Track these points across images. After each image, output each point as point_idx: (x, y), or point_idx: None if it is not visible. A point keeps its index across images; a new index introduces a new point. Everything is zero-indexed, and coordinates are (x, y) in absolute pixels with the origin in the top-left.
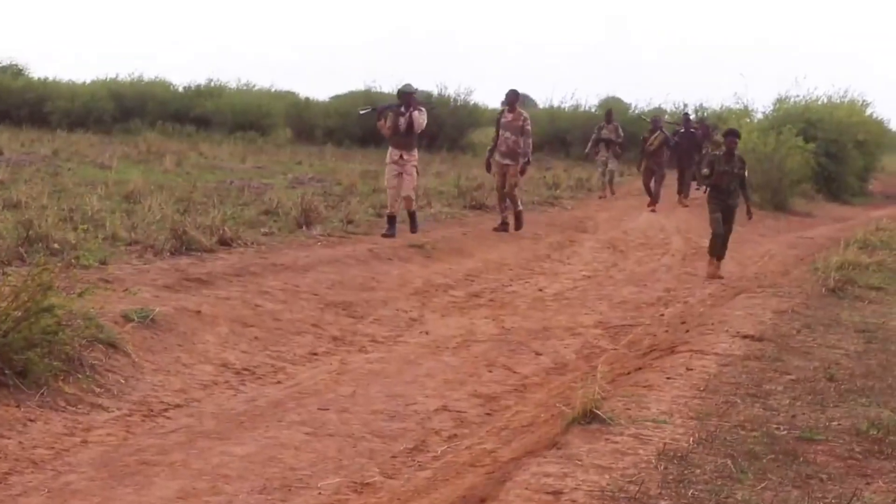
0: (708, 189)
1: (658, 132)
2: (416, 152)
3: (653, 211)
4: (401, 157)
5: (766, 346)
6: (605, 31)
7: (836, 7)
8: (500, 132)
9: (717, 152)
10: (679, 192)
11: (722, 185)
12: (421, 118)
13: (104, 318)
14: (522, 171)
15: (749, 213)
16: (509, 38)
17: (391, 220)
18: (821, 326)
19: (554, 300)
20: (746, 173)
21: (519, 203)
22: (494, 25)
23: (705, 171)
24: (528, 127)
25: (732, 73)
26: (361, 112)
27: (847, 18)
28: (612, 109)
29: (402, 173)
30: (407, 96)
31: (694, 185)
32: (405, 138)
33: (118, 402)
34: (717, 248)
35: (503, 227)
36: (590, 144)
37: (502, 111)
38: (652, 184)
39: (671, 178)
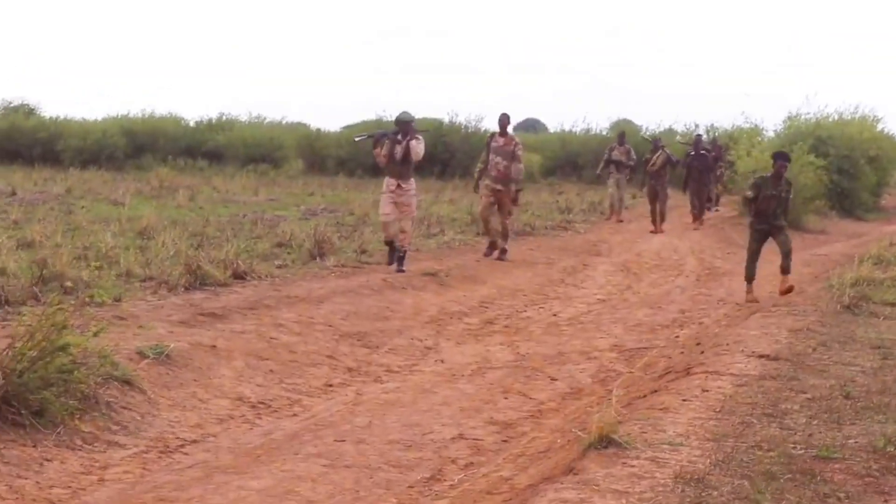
0: (751, 213)
1: (660, 152)
2: (413, 182)
3: (654, 232)
4: (398, 186)
5: (782, 366)
6: (614, 53)
7: (845, 24)
8: (491, 156)
9: (765, 174)
10: (693, 217)
11: (768, 210)
12: (418, 147)
13: (119, 355)
14: (515, 201)
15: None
16: (519, 63)
17: (391, 245)
18: (836, 344)
19: (568, 325)
20: (791, 196)
21: (508, 235)
22: (504, 51)
23: (749, 193)
24: (520, 152)
25: (743, 92)
26: (357, 139)
27: (856, 35)
28: (624, 132)
29: (398, 203)
30: (404, 124)
31: (708, 206)
32: (402, 167)
33: (134, 439)
34: (751, 274)
35: (490, 251)
36: (601, 165)
37: (493, 135)
38: (657, 205)
39: (677, 199)
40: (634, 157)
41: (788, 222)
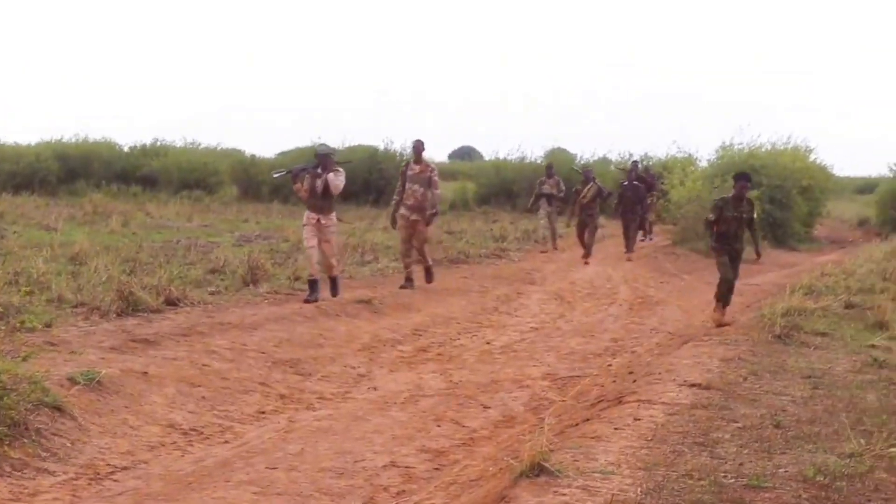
0: (713, 236)
1: (591, 184)
2: (333, 216)
3: (587, 263)
4: (318, 220)
5: (714, 395)
6: (550, 82)
7: (778, 56)
8: (407, 185)
9: (726, 196)
10: (626, 247)
11: (729, 232)
12: (337, 180)
13: (50, 381)
14: (428, 223)
15: (758, 253)
16: (455, 91)
17: (313, 284)
18: (767, 373)
19: (502, 353)
20: (755, 215)
21: (429, 258)
22: (440, 79)
23: (711, 216)
24: (436, 178)
25: (677, 122)
26: (276, 175)
27: (790, 67)
28: (551, 164)
29: (319, 238)
30: (323, 157)
31: (639, 236)
32: (322, 201)
33: (64, 466)
34: (725, 294)
35: (409, 283)
36: (532, 199)
37: (407, 163)
38: (585, 236)
39: (614, 228)
40: (563, 188)
41: (756, 243)
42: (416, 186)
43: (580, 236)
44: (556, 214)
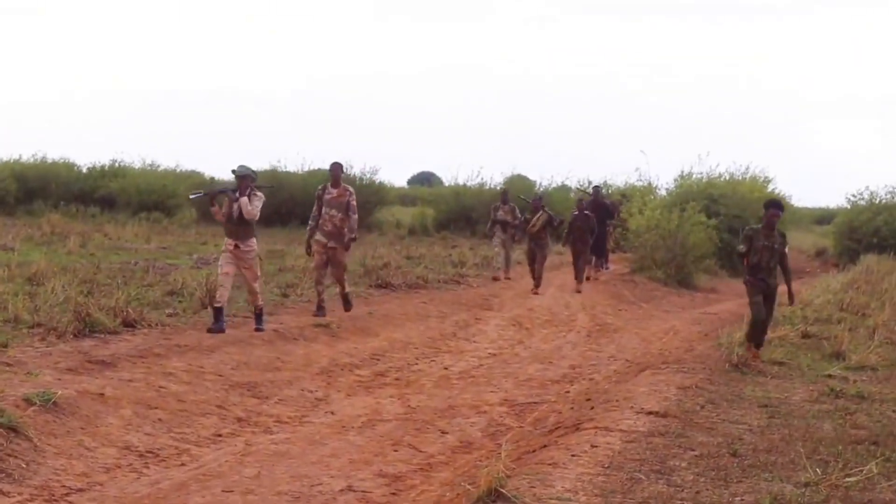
0: (746, 268)
1: (540, 212)
2: (253, 241)
3: (536, 294)
4: (236, 246)
5: (671, 422)
6: (508, 108)
7: (737, 83)
8: (324, 209)
9: (756, 226)
10: (575, 277)
11: (762, 263)
12: (251, 205)
13: (5, 401)
14: (347, 248)
15: (791, 299)
16: (414, 116)
17: (218, 312)
18: (724, 402)
19: (459, 378)
20: (787, 249)
21: (346, 285)
22: (399, 103)
23: (741, 247)
24: (354, 202)
25: (636, 149)
26: (192, 197)
27: (749, 95)
28: (507, 190)
29: (239, 265)
30: (241, 179)
31: (600, 265)
32: (238, 227)
33: (19, 487)
34: (758, 336)
35: (320, 311)
36: (488, 225)
37: (324, 186)
38: (535, 266)
39: (569, 256)
40: (519, 215)
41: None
42: (333, 211)
43: (531, 266)
44: (512, 241)
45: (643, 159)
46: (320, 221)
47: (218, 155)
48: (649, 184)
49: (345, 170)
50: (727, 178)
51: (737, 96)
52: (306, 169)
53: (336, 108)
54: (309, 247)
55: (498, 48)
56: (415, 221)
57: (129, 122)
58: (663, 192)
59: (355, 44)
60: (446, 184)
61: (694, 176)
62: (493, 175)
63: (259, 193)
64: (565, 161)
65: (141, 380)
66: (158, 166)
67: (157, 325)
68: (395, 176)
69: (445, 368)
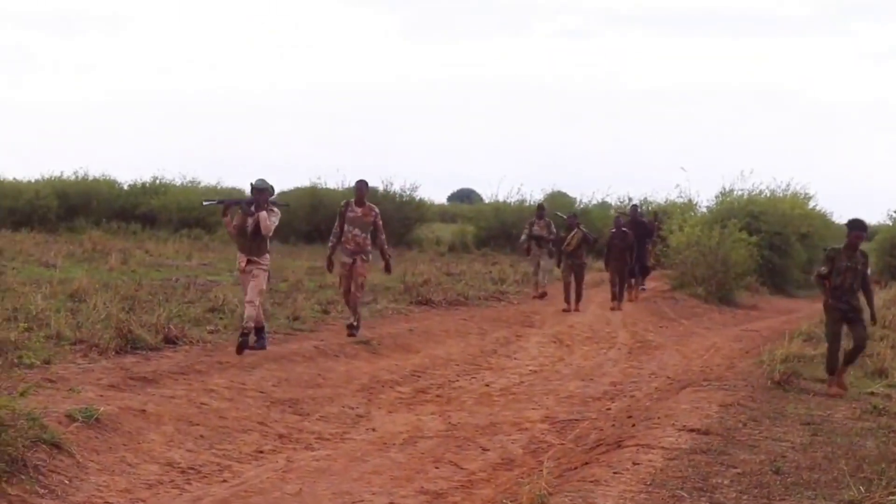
0: (828, 290)
1: (575, 230)
2: (267, 258)
3: (567, 311)
4: (248, 262)
5: (713, 440)
6: (549, 124)
7: (779, 101)
8: (347, 227)
9: (837, 246)
10: (612, 295)
11: (845, 285)
12: (269, 220)
13: (48, 418)
14: (387, 268)
15: (873, 318)
16: (454, 132)
17: (258, 331)
18: (766, 419)
19: (501, 395)
20: (869, 270)
21: (359, 310)
22: (439, 119)
23: (823, 269)
24: (381, 222)
25: (677, 166)
26: (205, 203)
27: (790, 112)
28: (543, 205)
29: (246, 280)
30: (259, 193)
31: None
32: (253, 242)
33: (62, 503)
34: (832, 364)
35: (352, 330)
36: (522, 239)
37: (348, 203)
38: (573, 285)
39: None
40: (555, 230)
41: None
42: (356, 230)
43: (566, 284)
44: (548, 257)
45: (684, 176)
46: (343, 240)
47: (258, 172)
48: (690, 200)
49: (386, 187)
50: (768, 194)
51: (778, 112)
52: (346, 185)
53: (376, 125)
54: (330, 263)
55: (538, 63)
56: (455, 238)
57: (170, 139)
58: (704, 209)
59: (394, 60)
60: (486, 200)
61: (735, 193)
62: (534, 191)
63: (276, 209)
64: (605, 178)
65: (182, 396)
66: (199, 183)
67: (198, 341)
68: (435, 192)
69: (486, 385)
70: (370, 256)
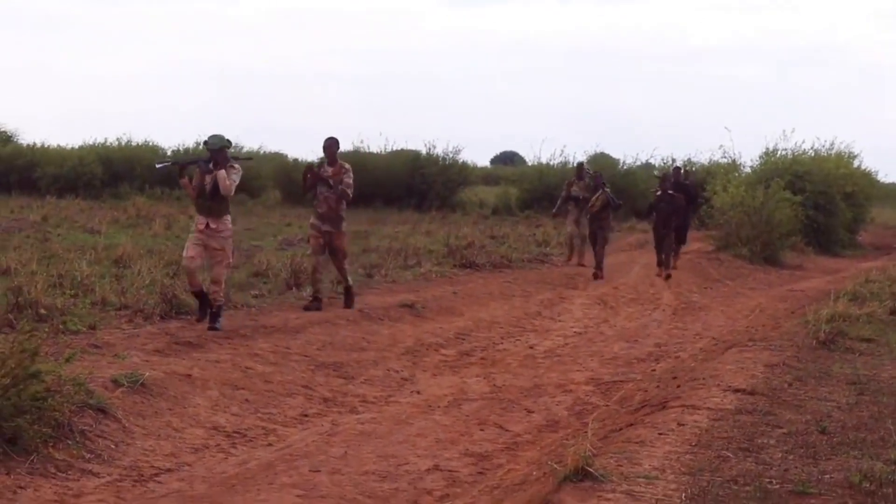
0: None
1: (600, 192)
2: (228, 220)
3: (597, 278)
4: (206, 226)
5: (758, 400)
6: (592, 85)
7: (821, 60)
8: (318, 188)
9: None
10: (658, 263)
11: None
12: (229, 178)
13: (94, 383)
14: (333, 191)
15: None
16: (496, 94)
17: (200, 297)
18: (812, 379)
19: (545, 357)
20: None
21: (348, 276)
22: (482, 82)
23: None
24: (350, 180)
25: (721, 126)
26: (158, 166)
27: (834, 70)
28: (582, 163)
29: (208, 246)
30: (216, 151)
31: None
32: (212, 202)
33: (108, 468)
34: None
35: (315, 303)
36: (558, 203)
37: (320, 164)
38: (596, 249)
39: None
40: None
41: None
42: (328, 192)
43: (593, 247)
44: (587, 220)
45: (727, 136)
46: (314, 203)
47: (300, 136)
48: (733, 161)
49: (429, 150)
50: (812, 154)
51: (822, 69)
52: (389, 149)
53: (418, 89)
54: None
55: (581, 25)
56: (498, 201)
57: (213, 105)
58: (748, 170)
59: (436, 23)
60: (529, 163)
61: (779, 153)
62: (576, 153)
63: (236, 166)
64: (649, 139)
65: (227, 361)
66: (242, 148)
67: (242, 306)
68: (478, 155)
69: (531, 347)
70: (343, 224)
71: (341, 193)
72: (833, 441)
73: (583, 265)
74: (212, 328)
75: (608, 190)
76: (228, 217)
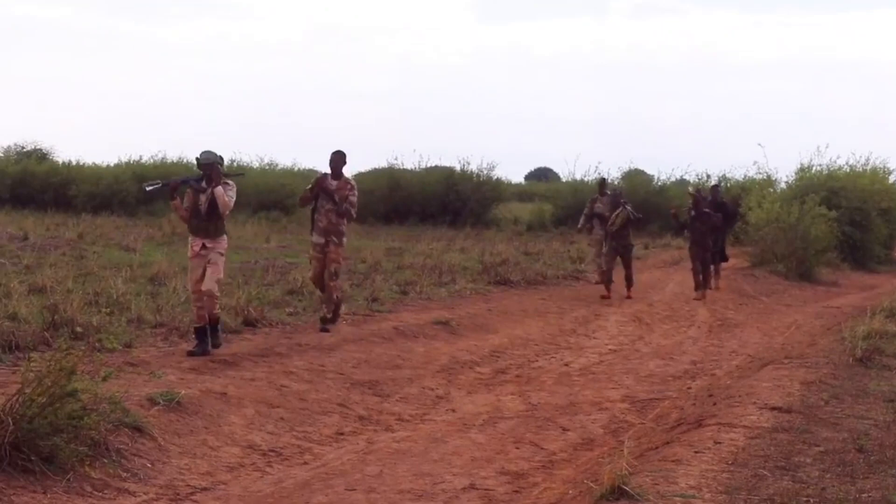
0: None
1: (620, 209)
2: (224, 240)
3: (605, 298)
4: (203, 246)
5: (795, 418)
6: (626, 102)
7: (857, 75)
8: (321, 202)
9: None
10: (696, 284)
11: None
12: (227, 195)
13: (130, 401)
14: (339, 213)
15: None
16: (531, 110)
17: (199, 333)
18: (849, 397)
19: (580, 375)
20: None
21: (336, 293)
22: (516, 99)
23: None
24: (354, 198)
25: (755, 142)
26: (148, 188)
27: (869, 86)
28: (605, 179)
29: (204, 266)
30: (208, 167)
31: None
32: (208, 222)
33: (144, 487)
34: None
35: (327, 323)
36: (581, 220)
37: (324, 176)
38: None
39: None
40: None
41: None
42: (330, 205)
43: (607, 271)
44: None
45: (761, 152)
46: (316, 216)
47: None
48: (768, 177)
49: (463, 167)
50: (847, 170)
51: (857, 85)
52: (423, 166)
53: (452, 105)
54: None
55: (614, 41)
56: (532, 217)
57: (247, 122)
58: (783, 186)
59: (470, 39)
60: (563, 179)
61: (814, 168)
62: (611, 169)
63: (230, 182)
64: (683, 155)
65: (263, 379)
66: (276, 165)
67: (277, 323)
68: (513, 172)
69: (566, 365)
70: (343, 239)
71: (344, 212)
72: (870, 459)
73: (598, 283)
74: (215, 344)
75: (629, 207)
76: (225, 237)
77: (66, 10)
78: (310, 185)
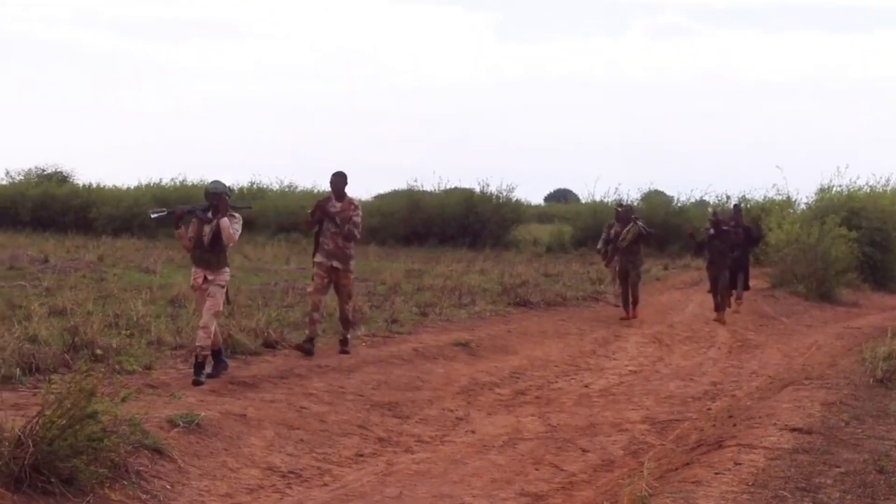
0: None
1: (631, 224)
2: (226, 272)
3: (626, 319)
4: (204, 279)
5: (815, 439)
6: (646, 123)
7: (877, 95)
8: (325, 225)
9: None
10: (715, 305)
11: None
12: (232, 227)
13: (149, 423)
14: (342, 235)
15: None
16: (550, 132)
17: (200, 365)
18: (870, 418)
19: (600, 396)
20: None
21: (351, 316)
22: (535, 120)
23: None
24: (358, 219)
25: (775, 163)
26: (154, 215)
27: (889, 106)
28: (622, 202)
29: (203, 297)
30: (215, 197)
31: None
32: (211, 254)
33: None
34: None
35: (308, 345)
36: (600, 244)
37: (328, 198)
38: (628, 288)
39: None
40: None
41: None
42: (334, 229)
43: (623, 286)
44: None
45: (780, 174)
46: (321, 239)
47: (354, 174)
48: (788, 198)
49: (483, 188)
50: (867, 190)
51: (877, 105)
52: (443, 188)
53: (472, 126)
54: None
55: (633, 62)
56: (552, 239)
57: (267, 144)
58: (803, 206)
59: (489, 60)
60: (583, 200)
61: (834, 189)
62: (630, 190)
63: (237, 215)
64: (703, 176)
65: (282, 400)
66: (296, 187)
67: (297, 345)
68: (532, 193)
69: (585, 386)
70: (352, 263)
71: (347, 233)
72: (891, 480)
73: (617, 305)
74: (215, 372)
75: (640, 222)
76: (227, 270)
77: (88, 32)
78: (311, 210)
